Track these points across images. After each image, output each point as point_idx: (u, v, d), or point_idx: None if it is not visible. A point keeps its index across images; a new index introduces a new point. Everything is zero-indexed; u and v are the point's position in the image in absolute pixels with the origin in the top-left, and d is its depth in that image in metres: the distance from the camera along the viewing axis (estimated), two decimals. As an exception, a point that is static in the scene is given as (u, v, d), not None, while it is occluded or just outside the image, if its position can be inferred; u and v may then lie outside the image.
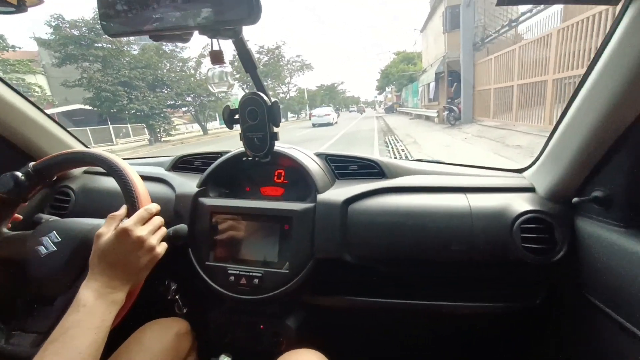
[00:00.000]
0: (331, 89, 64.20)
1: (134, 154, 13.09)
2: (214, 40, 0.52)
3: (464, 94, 11.23)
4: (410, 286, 0.80)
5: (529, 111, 7.64)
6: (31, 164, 0.70)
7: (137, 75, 15.98)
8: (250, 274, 0.75)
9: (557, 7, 7.60)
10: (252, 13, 0.42)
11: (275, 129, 0.61)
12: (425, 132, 10.64)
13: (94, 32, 15.13)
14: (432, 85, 16.97)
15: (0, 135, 0.86)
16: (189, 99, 19.38)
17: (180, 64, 19.30)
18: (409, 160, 0.97)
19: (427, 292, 0.79)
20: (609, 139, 0.56)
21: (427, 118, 15.68)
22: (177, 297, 0.83)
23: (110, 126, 19.35)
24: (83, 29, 15.11)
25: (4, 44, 13.55)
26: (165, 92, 18.00)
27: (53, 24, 14.69)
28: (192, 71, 19.23)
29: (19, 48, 14.65)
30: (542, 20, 7.74)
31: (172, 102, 18.53)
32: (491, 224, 0.71)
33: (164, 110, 17.70)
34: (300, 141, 11.41)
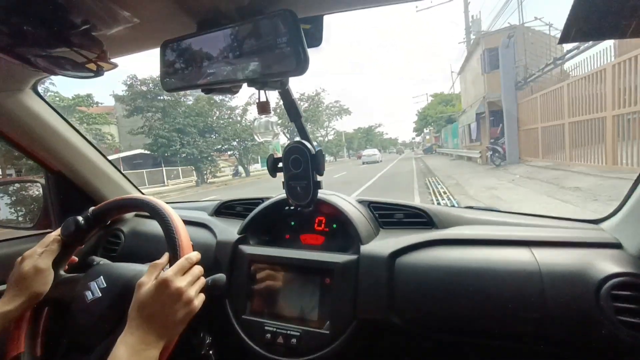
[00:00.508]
0: (368, 131, 65.57)
1: (181, 194, 14.10)
2: (261, 92, 0.54)
3: (508, 133, 10.78)
4: (471, 358, 0.67)
5: (586, 150, 7.04)
6: (91, 209, 0.74)
7: (190, 122, 17.78)
8: (288, 332, 0.69)
9: (608, 43, 7.32)
10: (299, 65, 0.43)
11: (319, 178, 0.60)
12: (467, 174, 10.17)
13: (158, 87, 17.50)
14: (473, 125, 16.60)
15: (71, 181, 0.96)
16: (234, 143, 20.91)
17: (228, 111, 21.18)
18: (458, 207, 0.89)
19: None
20: None
21: (469, 159, 15.12)
22: (210, 352, 0.79)
23: (164, 168, 21.34)
24: (150, 85, 17.57)
25: (91, 101, 16.16)
26: (214, 137, 19.66)
27: (128, 82, 17.32)
28: (239, 118, 20.94)
29: (101, 104, 17.45)
30: (591, 57, 7.44)
31: (219, 147, 20.12)
32: (569, 287, 0.58)
33: (212, 154, 19.21)
34: (334, 183, 11.50)
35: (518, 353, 0.64)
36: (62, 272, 0.72)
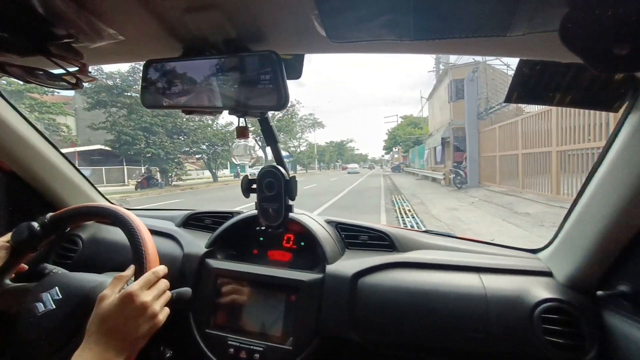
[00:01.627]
0: (340, 146, 66.80)
1: (143, 195, 13.30)
2: (241, 118, 0.57)
3: (469, 159, 11.55)
4: None
5: (536, 179, 7.75)
6: (49, 215, 0.71)
7: (157, 122, 16.99)
8: (251, 347, 0.70)
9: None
10: (280, 102, 0.46)
11: (291, 202, 0.63)
12: (431, 194, 10.68)
13: (125, 83, 16.61)
14: (439, 148, 17.57)
15: (27, 183, 0.90)
16: (204, 147, 20.28)
17: (193, 116, 20.55)
18: (418, 231, 0.96)
19: None
20: (630, 232, 0.55)
21: (434, 180, 15.91)
22: None
23: (125, 167, 20.07)
24: (117, 79, 16.63)
25: (43, 89, 14.88)
26: (182, 139, 18.94)
27: (92, 74, 16.24)
28: (210, 122, 20.42)
29: (58, 92, 16.07)
30: (542, 97, 8.25)
31: (187, 149, 19.38)
32: (508, 310, 0.67)
33: (178, 155, 18.44)
34: (305, 194, 11.51)
35: None
36: (8, 282, 0.68)
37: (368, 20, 0.38)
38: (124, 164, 19.69)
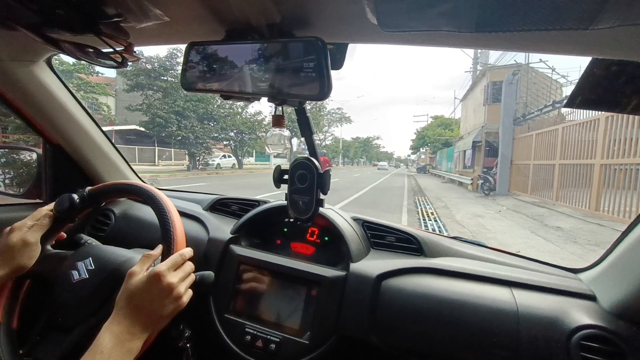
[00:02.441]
0: (366, 142, 66.04)
1: (171, 176, 13.89)
2: (278, 107, 0.56)
3: (500, 166, 11.03)
4: None
5: (572, 192, 7.26)
6: (88, 188, 0.74)
7: (190, 107, 17.56)
8: (268, 337, 0.70)
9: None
10: (323, 91, 0.44)
11: (322, 196, 0.62)
12: (456, 198, 10.32)
13: (163, 67, 17.27)
14: (469, 152, 16.92)
15: (70, 157, 0.95)
16: (232, 134, 20.76)
17: (230, 101, 21.05)
18: (447, 237, 0.92)
19: None
20: None
21: (460, 184, 15.38)
22: (188, 345, 0.79)
23: (156, 148, 21.02)
24: (155, 64, 17.33)
25: (92, 69, 15.81)
26: (212, 125, 19.48)
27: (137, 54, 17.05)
28: (240, 110, 20.82)
29: (102, 74, 17.03)
30: (589, 104, 7.67)
31: (216, 135, 19.92)
32: (542, 331, 0.62)
33: (207, 140, 19.00)
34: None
35: None
36: (49, 247, 0.72)
37: (426, 8, 0.34)
38: (156, 145, 20.63)
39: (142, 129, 18.46)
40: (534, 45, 0.41)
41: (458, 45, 0.43)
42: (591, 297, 0.67)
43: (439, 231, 5.39)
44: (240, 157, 22.47)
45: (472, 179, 13.37)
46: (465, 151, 17.88)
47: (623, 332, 0.59)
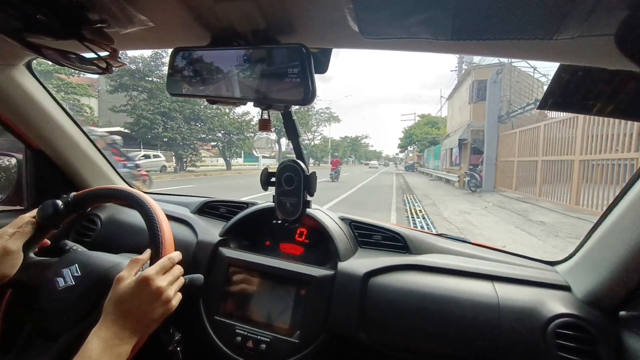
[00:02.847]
0: (355, 141, 66.48)
1: (158, 178, 13.63)
2: (264, 111, 0.57)
3: (486, 163, 11.29)
4: None
5: (554, 187, 7.51)
6: (72, 194, 0.73)
7: (176, 107, 17.29)
8: (258, 337, 0.71)
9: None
10: (307, 96, 0.45)
11: (309, 198, 0.63)
12: (444, 196, 10.51)
13: (147, 68, 16.94)
14: (455, 150, 17.23)
15: (53, 162, 0.93)
16: (219, 134, 20.55)
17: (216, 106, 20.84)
18: (432, 234, 0.94)
19: None
20: None
21: (448, 181, 15.65)
22: (178, 349, 0.79)
23: (142, 150, 20.61)
24: (140, 64, 16.97)
25: (71, 70, 15.36)
26: (199, 126, 19.24)
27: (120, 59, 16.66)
28: (227, 110, 20.61)
29: (83, 74, 16.51)
30: (568, 102, 7.95)
31: (203, 136, 19.68)
32: (521, 321, 0.65)
33: (194, 142, 18.75)
34: (319, 189, 11.53)
35: None
36: (32, 255, 0.71)
37: (404, 18, 0.36)
38: (141, 147, 20.20)
39: (127, 131, 18.04)
40: (507, 51, 0.44)
41: (436, 51, 0.44)
42: (566, 288, 0.71)
43: (427, 228, 5.48)
44: (228, 158, 22.25)
45: (458, 177, 13.62)
46: (452, 149, 18.21)
47: (594, 320, 0.63)
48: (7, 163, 1.03)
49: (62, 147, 0.92)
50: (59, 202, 0.70)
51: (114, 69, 0.52)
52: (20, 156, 0.96)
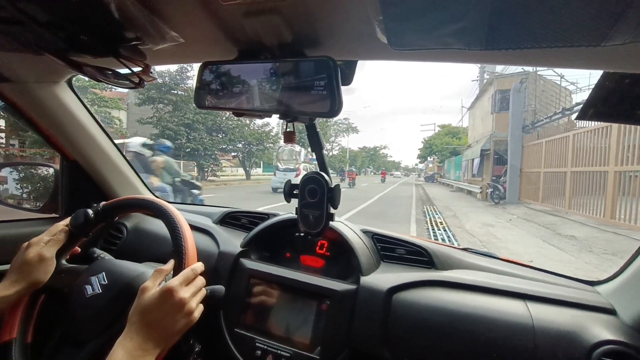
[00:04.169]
0: (373, 152, 66.25)
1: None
2: (289, 123, 0.57)
3: (510, 174, 10.88)
4: None
5: (585, 200, 7.09)
6: (102, 203, 0.76)
7: (199, 119, 17.95)
8: (278, 351, 0.70)
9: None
10: (333, 109, 0.45)
11: (333, 210, 0.62)
12: (466, 207, 10.18)
13: (173, 82, 17.79)
14: (477, 161, 16.77)
15: (86, 172, 0.97)
16: (240, 145, 21.07)
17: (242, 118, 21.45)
18: (458, 248, 0.90)
19: None
20: None
21: (469, 193, 15.18)
22: None
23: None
24: (166, 78, 17.86)
25: (105, 85, 16.44)
26: (220, 136, 19.83)
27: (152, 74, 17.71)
28: (248, 122, 21.13)
29: (115, 88, 17.61)
30: (599, 111, 7.58)
31: (224, 146, 20.24)
32: (560, 347, 0.59)
33: (216, 152, 19.31)
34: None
35: None
36: (64, 262, 0.73)
37: (436, 28, 0.35)
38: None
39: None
40: (544, 60, 0.42)
41: (467, 61, 0.43)
42: (611, 311, 0.65)
43: (449, 241, 5.30)
44: (248, 168, 22.69)
45: (481, 188, 13.19)
46: (473, 159, 17.73)
47: None
48: (45, 173, 1.09)
49: (95, 158, 0.97)
50: (90, 211, 0.73)
51: (145, 83, 0.54)
52: (56, 166, 1.02)
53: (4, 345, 0.61)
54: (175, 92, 18.00)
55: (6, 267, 0.67)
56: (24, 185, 1.07)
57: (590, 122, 7.49)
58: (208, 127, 18.63)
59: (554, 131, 9.16)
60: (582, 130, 7.46)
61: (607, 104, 0.43)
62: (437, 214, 8.53)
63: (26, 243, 0.66)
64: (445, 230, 6.26)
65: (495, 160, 13.78)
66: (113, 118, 17.58)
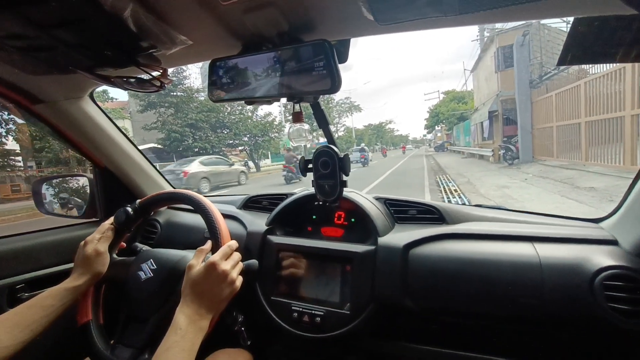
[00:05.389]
0: (379, 128, 65.27)
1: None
2: (296, 104, 0.63)
3: (521, 132, 10.61)
4: (476, 339, 0.75)
5: (603, 149, 6.89)
6: (138, 201, 0.85)
7: (202, 118, 18.08)
8: (313, 312, 0.78)
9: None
10: (334, 85, 0.51)
11: (345, 178, 0.68)
12: (479, 172, 10.06)
13: (171, 84, 17.87)
14: (486, 123, 16.35)
15: (115, 176, 1.07)
16: (245, 138, 21.17)
17: (240, 107, 21.48)
18: (468, 205, 0.96)
19: (493, 347, 0.73)
20: None
21: (481, 157, 14.93)
22: (242, 329, 0.89)
23: (175, 163, 21.85)
24: (164, 81, 17.94)
25: (106, 96, 16.66)
26: (225, 132, 19.96)
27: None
28: (250, 114, 21.15)
29: (116, 99, 17.83)
30: (610, 54, 7.22)
31: (230, 142, 20.39)
32: (565, 278, 0.65)
33: (223, 148, 19.50)
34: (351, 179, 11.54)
35: (515, 335, 0.72)
36: (114, 256, 0.83)
37: (413, 1, 0.40)
38: (175, 159, 21.43)
39: (159, 146, 19.14)
40: (518, 14, 0.46)
41: (449, 26, 0.47)
42: (613, 242, 0.70)
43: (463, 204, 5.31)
44: (257, 160, 22.86)
45: (492, 151, 12.95)
46: (482, 123, 17.29)
47: None
48: (79, 184, 1.19)
49: (122, 163, 1.06)
50: (129, 209, 0.82)
51: (166, 85, 0.61)
52: (90, 176, 1.11)
53: (84, 326, 0.72)
54: (175, 93, 18.06)
55: (69, 266, 0.77)
56: (65, 195, 1.17)
57: (601, 67, 7.18)
58: (212, 124, 18.75)
59: (564, 82, 8.81)
60: (593, 77, 7.17)
61: (582, 47, 0.47)
62: (450, 182, 8.49)
63: (83, 241, 0.76)
64: (460, 197, 6.26)
65: (504, 120, 13.41)
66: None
